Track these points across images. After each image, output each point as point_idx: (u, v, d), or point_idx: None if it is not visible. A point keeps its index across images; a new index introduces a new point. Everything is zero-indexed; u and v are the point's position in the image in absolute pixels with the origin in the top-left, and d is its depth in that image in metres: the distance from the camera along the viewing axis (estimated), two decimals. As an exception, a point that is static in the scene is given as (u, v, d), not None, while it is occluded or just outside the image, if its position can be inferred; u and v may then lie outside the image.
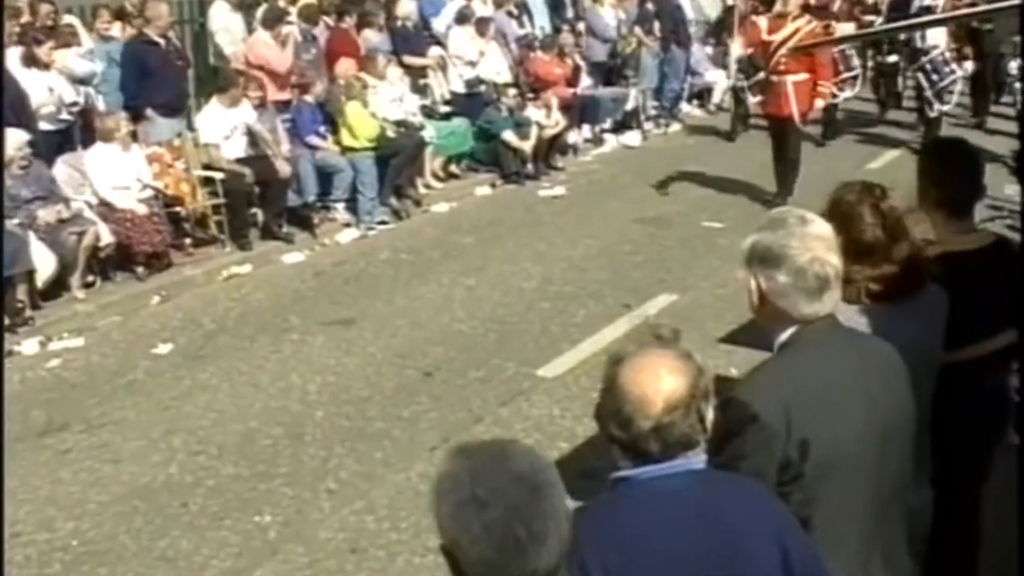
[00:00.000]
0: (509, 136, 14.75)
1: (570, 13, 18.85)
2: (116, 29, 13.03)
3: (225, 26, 13.97)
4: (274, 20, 13.36)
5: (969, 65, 16.52)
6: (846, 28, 16.37)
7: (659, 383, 2.61)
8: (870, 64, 18.48)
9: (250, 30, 13.87)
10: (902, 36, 16.38)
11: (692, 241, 11.81)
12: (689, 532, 2.62)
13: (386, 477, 6.98)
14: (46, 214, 10.10)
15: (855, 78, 16.48)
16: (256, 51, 13.24)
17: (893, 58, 17.32)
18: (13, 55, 11.28)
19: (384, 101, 13.58)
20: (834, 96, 15.75)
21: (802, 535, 2.80)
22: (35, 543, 6.35)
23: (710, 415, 2.69)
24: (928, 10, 15.27)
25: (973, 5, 14.94)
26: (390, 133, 13.21)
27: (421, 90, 14.95)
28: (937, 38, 15.52)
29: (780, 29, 12.92)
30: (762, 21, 13.62)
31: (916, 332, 3.74)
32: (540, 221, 12.83)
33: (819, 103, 13.43)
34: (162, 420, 7.93)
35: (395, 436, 7.54)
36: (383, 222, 12.86)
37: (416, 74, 15.01)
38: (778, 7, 13.24)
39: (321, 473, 7.05)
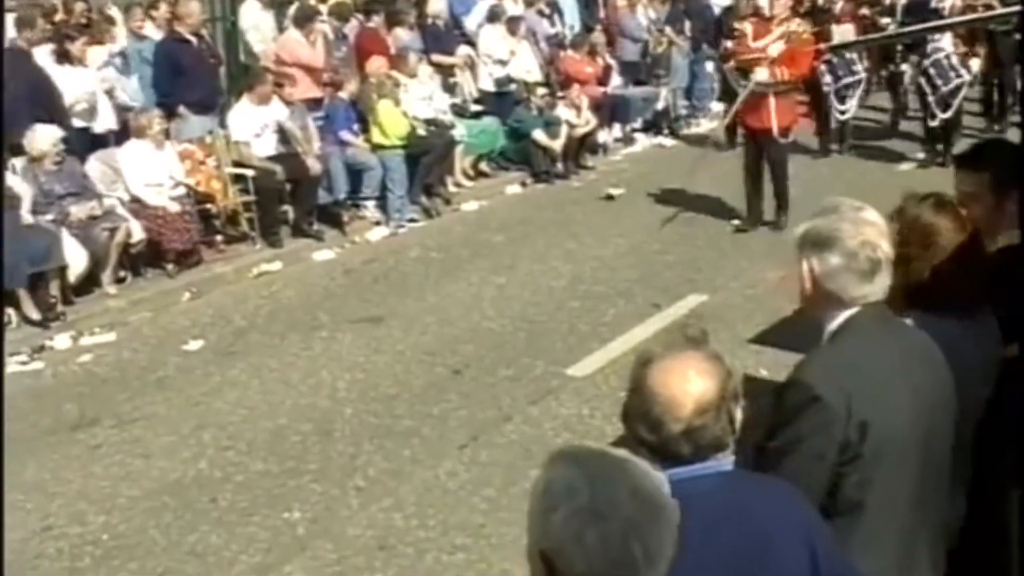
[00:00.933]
0: (539, 135, 14.75)
1: (601, 12, 18.85)
2: (149, 27, 13.09)
3: (256, 24, 14.03)
4: (305, 18, 13.41)
5: (975, 64, 15.42)
6: (845, 30, 15.70)
7: (689, 385, 2.59)
8: (883, 73, 17.70)
9: (280, 28, 13.94)
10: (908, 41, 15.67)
11: (722, 241, 11.77)
12: (719, 534, 2.59)
13: (414, 474, 6.98)
14: (79, 210, 10.17)
15: (858, 82, 15.65)
16: (288, 49, 13.29)
17: (906, 66, 16.18)
18: (46, 52, 11.36)
19: (414, 99, 13.60)
20: (841, 112, 15.46)
21: (829, 536, 2.79)
22: (67, 536, 6.39)
23: (739, 416, 2.68)
24: (936, 13, 14.92)
25: (988, 7, 14.68)
26: (420, 131, 13.23)
27: (451, 89, 14.96)
28: (942, 40, 14.63)
29: (765, 35, 11.90)
30: (747, 26, 12.44)
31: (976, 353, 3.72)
32: (570, 220, 12.81)
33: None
34: (192, 416, 7.96)
35: (424, 434, 7.54)
36: (413, 220, 12.88)
37: (446, 72, 15.02)
38: (767, 10, 12.33)
39: (350, 470, 7.06)
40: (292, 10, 13.83)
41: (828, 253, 3.16)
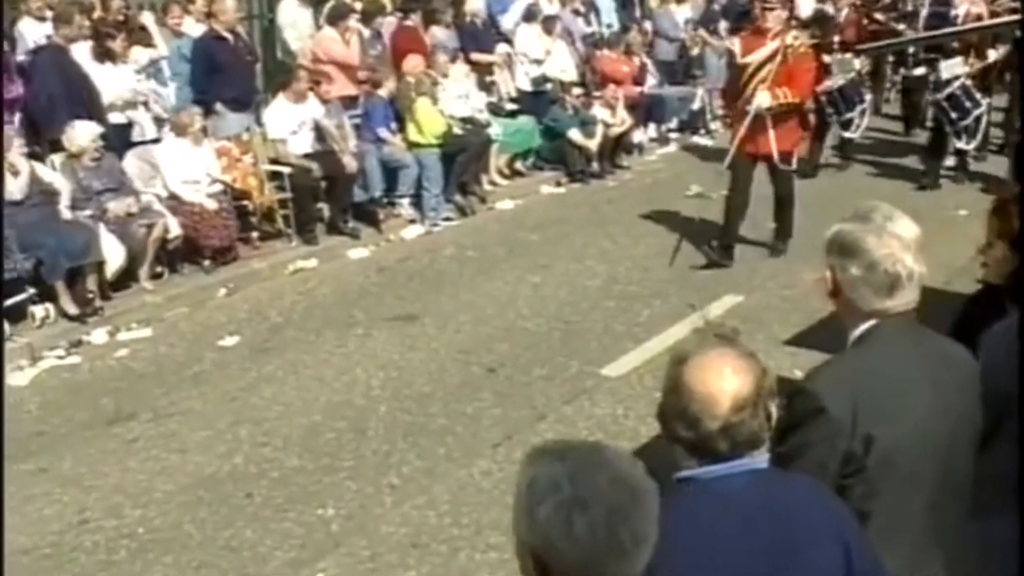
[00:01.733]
0: (575, 134, 14.73)
1: (637, 12, 18.81)
2: (187, 24, 13.15)
3: (293, 22, 14.07)
4: (339, 16, 13.45)
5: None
6: (843, 60, 14.83)
7: (725, 382, 2.60)
8: (896, 78, 17.21)
9: (318, 26, 13.98)
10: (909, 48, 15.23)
11: (757, 243, 11.71)
12: (753, 531, 2.61)
13: (448, 473, 6.99)
14: (116, 206, 10.23)
15: (864, 111, 14.84)
16: (323, 46, 13.33)
17: (921, 71, 15.06)
18: (84, 49, 11.43)
19: (451, 98, 13.62)
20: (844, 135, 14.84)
21: (862, 533, 2.80)
22: (103, 530, 6.43)
23: (775, 414, 2.68)
24: (943, 18, 14.31)
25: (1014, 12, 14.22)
26: (456, 130, 13.24)
27: (487, 87, 14.98)
28: (955, 68, 13.69)
29: (757, 49, 10.64)
30: (735, 42, 11.31)
31: None
32: (605, 220, 12.79)
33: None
34: (228, 411, 8.00)
35: (458, 432, 7.55)
36: (448, 219, 12.89)
37: (483, 71, 15.03)
38: (764, 21, 10.89)
39: (384, 468, 7.07)
40: (326, 8, 13.87)
41: (849, 263, 3.16)
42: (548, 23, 15.79)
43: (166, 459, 7.30)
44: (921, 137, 15.64)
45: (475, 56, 14.96)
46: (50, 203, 9.94)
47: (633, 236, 12.02)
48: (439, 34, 14.73)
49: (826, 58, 14.42)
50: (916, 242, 3.21)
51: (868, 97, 15.22)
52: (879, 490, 3.05)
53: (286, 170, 11.86)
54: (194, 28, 12.97)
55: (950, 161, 14.21)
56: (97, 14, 12.85)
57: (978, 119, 13.72)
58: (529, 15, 15.78)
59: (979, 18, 14.04)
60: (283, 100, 12.22)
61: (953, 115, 13.58)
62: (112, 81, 11.35)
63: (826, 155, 15.19)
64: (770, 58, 10.52)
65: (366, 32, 13.96)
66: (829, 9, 16.91)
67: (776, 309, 9.67)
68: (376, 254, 11.96)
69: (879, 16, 16.43)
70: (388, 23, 14.58)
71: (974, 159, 14.36)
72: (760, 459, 2.67)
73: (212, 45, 12.34)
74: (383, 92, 13.02)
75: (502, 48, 15.49)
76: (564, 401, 8.00)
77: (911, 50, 15.42)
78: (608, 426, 7.55)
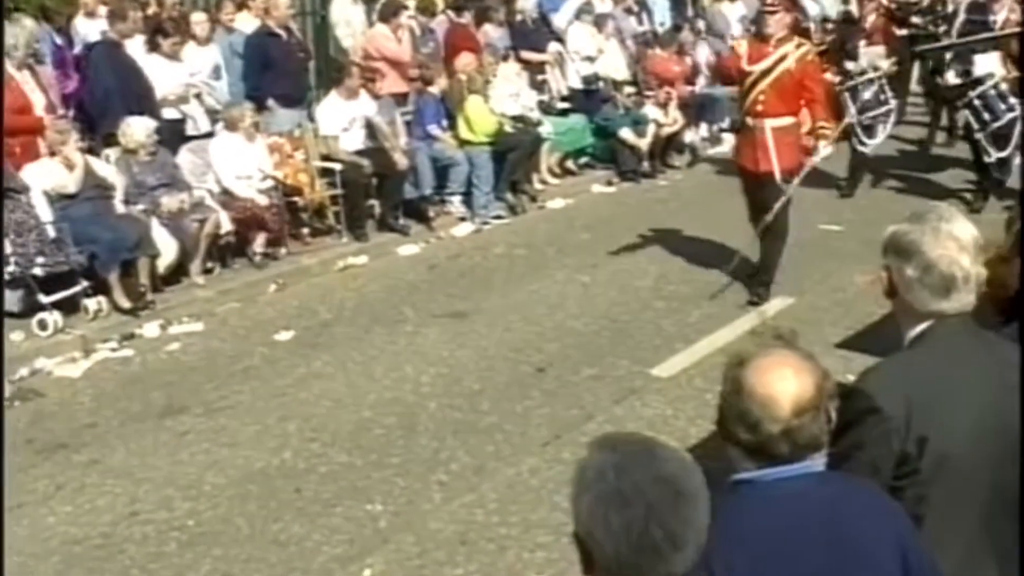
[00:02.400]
0: (626, 133, 14.69)
1: (690, 11, 18.74)
2: (240, 20, 13.23)
3: (346, 19, 14.13)
4: (391, 13, 13.48)
5: None
6: (875, 53, 13.94)
7: (787, 385, 2.58)
8: (921, 88, 16.27)
9: (370, 23, 14.02)
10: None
11: (809, 243, 11.59)
12: (812, 533, 2.58)
13: (497, 471, 6.97)
14: (169, 201, 10.30)
15: (888, 113, 13.57)
16: (375, 43, 13.37)
17: (956, 79, 13.77)
18: (138, 44, 11.53)
19: (502, 96, 13.62)
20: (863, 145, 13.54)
21: (919, 537, 2.76)
22: (153, 522, 6.46)
23: (834, 416, 2.65)
24: (985, 25, 13.45)
25: None
26: (507, 128, 13.23)
27: (539, 86, 14.96)
28: (990, 65, 12.77)
29: (761, 58, 9.63)
30: (742, 45, 10.31)
31: None
32: (656, 219, 12.72)
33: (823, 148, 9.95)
34: (277, 406, 8.02)
35: (507, 430, 7.53)
36: (498, 217, 12.89)
37: (534, 70, 15.02)
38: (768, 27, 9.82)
39: (432, 464, 7.07)
40: (379, 5, 13.91)
41: (906, 264, 3.13)
42: (600, 21, 15.75)
43: (216, 453, 7.34)
44: (955, 150, 15.04)
45: (526, 54, 14.95)
46: (104, 197, 10.04)
47: (684, 236, 11.95)
48: (491, 32, 14.74)
49: (849, 65, 13.69)
50: (973, 243, 3.17)
51: (894, 103, 13.83)
52: (931, 495, 3.01)
53: (337, 166, 11.90)
54: (247, 24, 13.04)
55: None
56: (152, 10, 12.96)
57: (1011, 123, 12.60)
58: (581, 13, 15.75)
59: (1019, 26, 13.15)
60: (335, 97, 12.26)
61: (986, 115, 12.61)
62: (166, 76, 11.43)
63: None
64: (772, 68, 9.55)
65: (418, 29, 13.99)
66: (854, 11, 16.42)
67: (828, 312, 9.58)
68: (426, 251, 11.98)
69: (916, 20, 15.98)
70: (440, 21, 14.60)
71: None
72: (819, 461, 2.64)
73: (265, 41, 12.42)
74: (434, 89, 13.04)
75: (554, 47, 15.46)
76: (613, 401, 7.97)
77: (947, 56, 14.48)
78: (657, 427, 7.49)
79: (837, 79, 13.43)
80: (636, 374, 8.43)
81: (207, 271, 10.69)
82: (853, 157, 13.72)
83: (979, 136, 12.67)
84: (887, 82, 13.55)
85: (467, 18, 14.73)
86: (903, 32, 15.76)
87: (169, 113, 11.44)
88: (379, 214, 12.35)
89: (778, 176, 9.70)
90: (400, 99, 13.21)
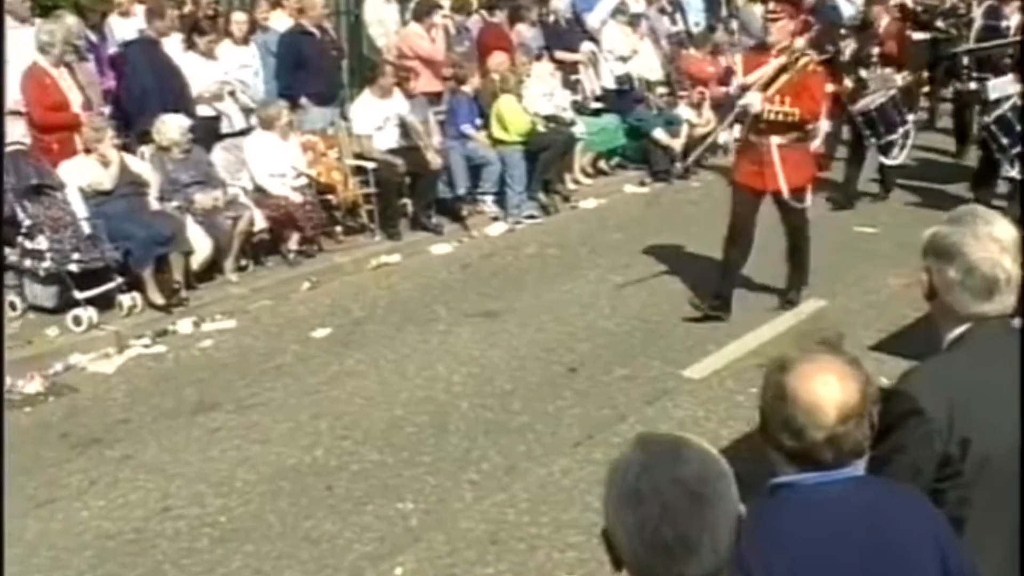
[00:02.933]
0: (659, 134, 14.66)
1: (724, 11, 18.68)
2: (274, 19, 13.27)
3: (379, 18, 14.16)
4: (425, 12, 13.51)
5: None
6: (884, 74, 13.25)
7: (831, 391, 2.54)
8: (946, 92, 15.61)
9: (403, 22, 14.05)
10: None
11: (842, 245, 11.54)
12: (852, 538, 2.56)
13: (528, 471, 6.96)
14: (203, 198, 10.35)
15: (907, 133, 12.95)
16: (409, 42, 13.39)
17: (973, 85, 13.59)
18: (175, 42, 11.59)
19: (535, 96, 13.61)
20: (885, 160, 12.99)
21: (959, 542, 2.73)
22: (185, 517, 6.49)
23: (876, 421, 2.63)
24: (998, 31, 13.34)
25: None
26: (540, 128, 13.22)
27: (572, 86, 14.93)
28: (1006, 88, 12.14)
29: (760, 67, 9.11)
30: (737, 59, 9.99)
31: None
32: (688, 220, 12.68)
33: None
34: (309, 404, 8.04)
35: (538, 430, 7.52)
36: (531, 216, 12.89)
37: (568, 70, 15.00)
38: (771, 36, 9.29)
39: (464, 463, 7.07)
40: (413, 4, 13.94)
41: (947, 265, 3.11)
42: (634, 21, 15.71)
43: (248, 449, 7.36)
44: (974, 158, 14.10)
45: (560, 54, 14.93)
46: (139, 194, 10.09)
47: (716, 237, 11.84)
48: (524, 32, 14.74)
49: (863, 72, 13.33)
50: (1014, 245, 3.15)
51: (911, 117, 13.26)
52: (973, 498, 2.99)
53: (371, 165, 11.92)
54: (281, 23, 13.08)
55: (1002, 188, 12.29)
56: (188, 8, 13.02)
57: None
58: (615, 13, 15.71)
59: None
60: (368, 95, 12.29)
61: (1004, 140, 11.84)
62: (201, 73, 11.48)
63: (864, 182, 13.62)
64: (774, 77, 8.96)
65: (452, 28, 14.01)
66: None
67: (860, 314, 9.52)
68: (459, 250, 11.99)
69: (940, 24, 15.70)
70: (474, 20, 14.61)
71: None
72: (859, 466, 2.62)
73: (299, 40, 12.46)
74: (467, 88, 13.04)
75: (587, 46, 15.43)
76: (645, 402, 7.95)
77: (965, 61, 14.35)
78: (689, 428, 7.44)
79: (850, 86, 13.32)
80: (668, 375, 8.41)
81: (241, 268, 10.73)
82: (881, 167, 13.37)
83: (999, 157, 12.02)
84: (901, 98, 12.98)
85: (500, 17, 14.73)
86: (925, 36, 15.51)
87: (204, 111, 11.48)
88: (412, 213, 12.37)
89: (786, 194, 9.24)
90: (434, 98, 13.23)
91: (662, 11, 17.10)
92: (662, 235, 12.09)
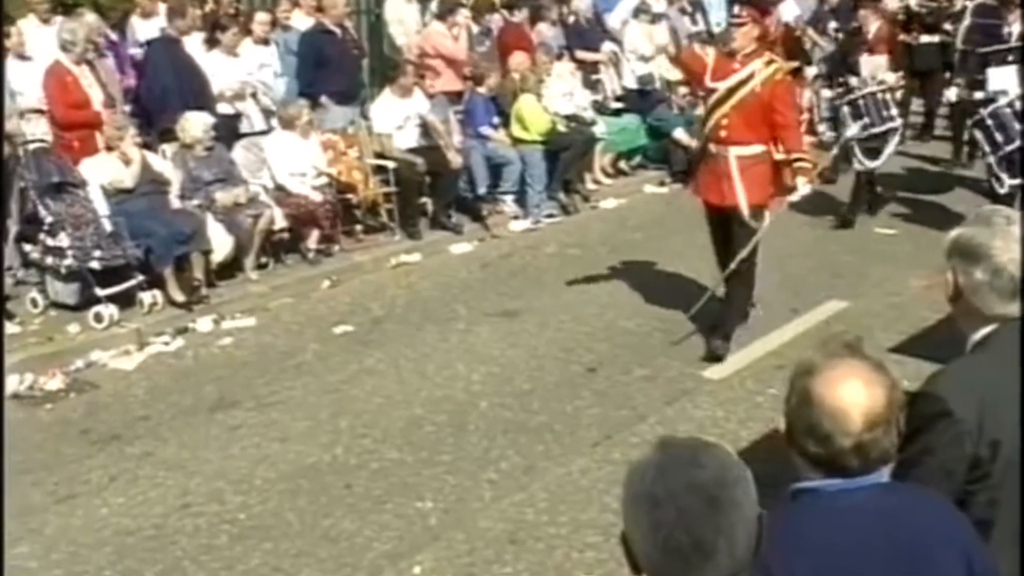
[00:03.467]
0: (680, 134, 14.61)
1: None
2: (295, 18, 13.29)
3: (400, 18, 14.17)
4: (448, 11, 13.53)
5: None
6: (876, 63, 12.56)
7: (858, 397, 2.50)
8: (945, 100, 14.49)
9: (424, 22, 14.07)
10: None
11: (864, 247, 11.50)
12: (875, 546, 2.53)
13: (547, 471, 6.95)
14: (224, 196, 10.38)
15: (893, 131, 12.04)
16: (431, 41, 13.41)
17: (980, 94, 12.01)
18: (196, 40, 11.62)
19: (555, 95, 13.60)
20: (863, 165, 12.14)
21: (985, 549, 2.70)
22: (204, 514, 6.51)
23: (902, 426, 2.60)
24: (995, 34, 12.42)
25: None
26: (561, 127, 13.21)
27: (593, 85, 14.92)
28: (1005, 80, 11.28)
29: (727, 75, 8.49)
30: (709, 53, 9.06)
31: None
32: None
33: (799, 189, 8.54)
34: (329, 402, 8.05)
35: (557, 430, 7.51)
36: (551, 216, 12.88)
37: (588, 69, 14.98)
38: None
39: (483, 463, 7.06)
40: (435, 3, 13.95)
41: (973, 267, 3.08)
42: (655, 22, 15.67)
43: (267, 447, 7.37)
44: (972, 169, 13.76)
45: (580, 54, 14.92)
46: (160, 192, 10.13)
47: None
48: (545, 31, 14.73)
49: (853, 81, 12.43)
50: None
51: (899, 120, 12.32)
52: (1001, 501, 2.97)
53: (391, 164, 11.94)
54: (302, 22, 13.11)
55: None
56: (209, 7, 13.06)
57: None
58: (637, 13, 15.67)
59: None
60: (389, 95, 12.31)
61: (998, 137, 10.92)
62: (224, 72, 11.51)
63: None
64: (737, 88, 8.42)
65: (474, 28, 14.02)
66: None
67: (881, 316, 9.47)
68: (479, 250, 11.99)
69: (947, 26, 14.92)
70: (495, 20, 14.62)
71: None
72: (885, 472, 2.59)
73: (320, 39, 12.49)
74: (483, 89, 13.03)
75: (608, 46, 15.41)
76: (665, 402, 7.93)
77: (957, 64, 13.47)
78: (708, 429, 7.44)
79: (833, 94, 12.93)
80: (687, 375, 8.39)
81: (261, 267, 10.76)
82: (856, 179, 12.44)
83: (990, 160, 11.15)
84: (892, 97, 12.27)
85: (521, 17, 14.73)
86: (932, 39, 15.06)
87: (224, 109, 11.50)
88: (432, 212, 12.38)
89: (745, 212, 8.46)
90: (455, 98, 13.23)
91: (683, 11, 17.07)
92: (682, 235, 12.02)
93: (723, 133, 8.53)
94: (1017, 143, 10.80)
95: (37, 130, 10.30)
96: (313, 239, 11.11)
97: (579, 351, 8.91)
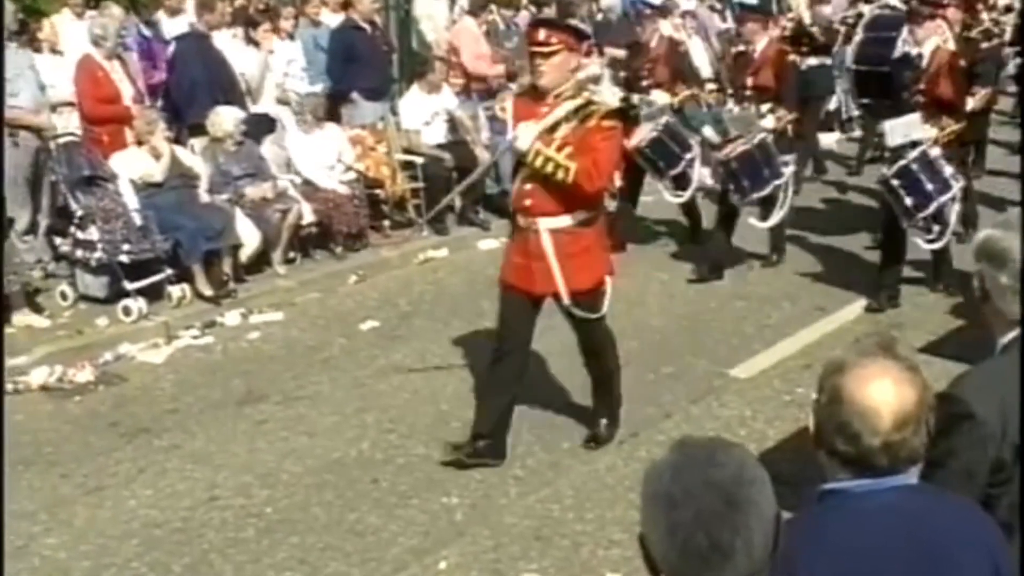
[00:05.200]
0: (708, 132, 14.54)
1: (775, 9, 18.54)
2: (324, 14, 13.33)
3: (429, 14, 14.20)
4: (478, 7, 13.54)
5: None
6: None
7: (888, 397, 2.48)
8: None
9: (453, 19, 14.09)
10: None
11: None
12: (900, 548, 2.51)
13: (573, 468, 6.96)
14: (253, 191, 10.43)
15: (784, 186, 10.41)
16: (461, 38, 13.41)
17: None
18: (226, 36, 11.67)
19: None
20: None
21: (1011, 554, 2.68)
22: (231, 508, 6.54)
23: (932, 428, 2.59)
24: (907, 62, 9.57)
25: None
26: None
27: (621, 82, 14.86)
28: (911, 130, 9.19)
29: (533, 118, 6.49)
30: (508, 105, 7.92)
31: None
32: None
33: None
34: (356, 397, 8.08)
35: (583, 427, 7.50)
36: (578, 212, 12.83)
37: (617, 66, 14.94)
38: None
39: (509, 459, 7.04)
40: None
41: (999, 271, 3.07)
42: (684, 19, 15.63)
43: (294, 441, 7.40)
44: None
45: (609, 50, 14.89)
46: (189, 186, 10.19)
47: (764, 236, 11.81)
48: (575, 28, 14.70)
49: (732, 106, 11.38)
50: None
51: (790, 169, 10.49)
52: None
53: (419, 160, 11.97)
54: (331, 18, 13.14)
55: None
56: (239, 2, 13.11)
57: (944, 207, 9.14)
58: (665, 10, 15.63)
59: (953, 61, 9.55)
60: (417, 90, 12.34)
61: (907, 200, 9.01)
62: (252, 67, 11.56)
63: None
64: (552, 129, 6.43)
65: (502, 24, 14.02)
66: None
67: (908, 315, 9.42)
68: (506, 246, 11.96)
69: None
70: (523, 16, 14.63)
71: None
72: (913, 473, 2.58)
73: (349, 35, 12.52)
74: (514, 86, 13.01)
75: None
76: (691, 400, 7.92)
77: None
78: (735, 428, 7.44)
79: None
80: (714, 374, 8.37)
81: (289, 261, 10.80)
82: (778, 229, 10.91)
83: (906, 226, 9.28)
84: (775, 140, 10.38)
85: (549, 13, 14.70)
86: (824, 61, 14.06)
87: (254, 107, 11.56)
88: (459, 208, 12.38)
89: (566, 300, 6.72)
90: (484, 94, 13.23)
91: (712, 8, 17.04)
92: (709, 233, 12.01)
93: (528, 201, 6.62)
94: (937, 202, 9.03)
95: (69, 124, 10.37)
96: (341, 234, 11.11)
97: (606, 348, 8.89)
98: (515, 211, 6.75)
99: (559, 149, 6.37)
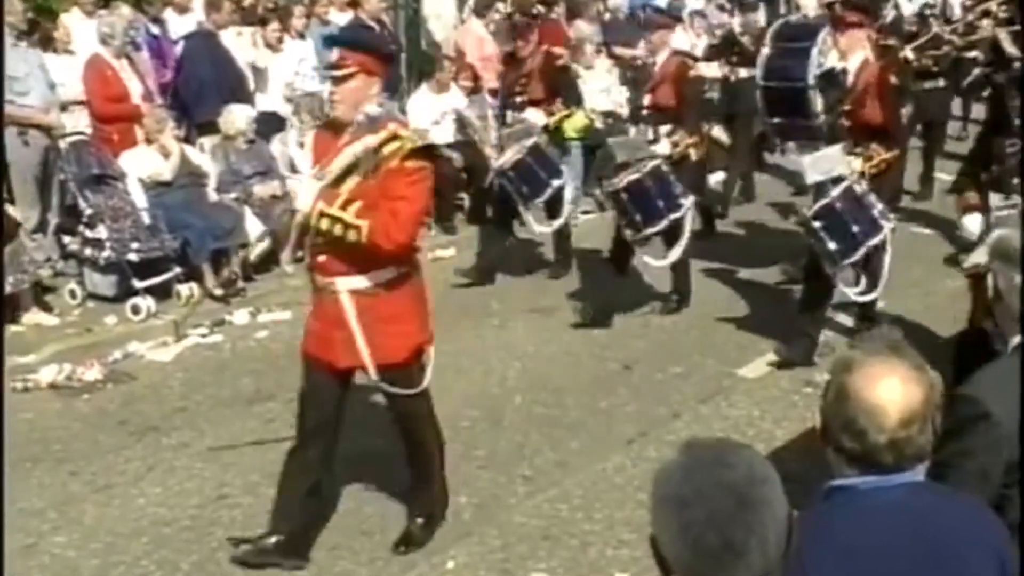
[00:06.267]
0: (718, 132, 14.53)
1: (783, 8, 18.54)
2: (333, 13, 13.34)
3: (438, 13, 14.21)
4: (485, 6, 13.55)
5: None
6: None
7: (894, 394, 2.51)
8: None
9: (462, 18, 14.10)
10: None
11: (900, 247, 11.37)
12: (907, 545, 2.53)
13: (581, 467, 6.95)
14: (262, 190, 10.44)
15: (680, 220, 9.21)
16: (468, 37, 13.42)
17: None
18: (233, 34, 11.68)
19: (593, 91, 13.55)
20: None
21: (1018, 554, 2.68)
22: (240, 506, 6.54)
23: (939, 426, 2.60)
24: (832, 78, 8.24)
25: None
26: (598, 124, 13.18)
27: (630, 82, 14.86)
28: (830, 165, 8.08)
29: (330, 161, 5.50)
30: (308, 141, 7.36)
31: None
32: (746, 219, 12.62)
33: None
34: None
35: (591, 427, 7.50)
36: (587, 212, 12.86)
37: (625, 66, 14.94)
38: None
39: (517, 459, 7.06)
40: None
41: (1012, 271, 3.09)
42: (692, 19, 15.64)
43: (303, 440, 7.38)
44: None
45: (619, 50, 14.89)
46: (198, 185, 10.21)
47: (775, 236, 11.84)
48: (583, 27, 14.69)
49: (612, 141, 10.23)
50: None
51: (688, 200, 9.24)
52: None
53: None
54: (339, 16, 13.15)
55: (846, 320, 9.14)
56: (248, 1, 13.12)
57: (877, 250, 8.23)
58: (673, 10, 15.63)
59: (883, 76, 8.46)
60: (426, 90, 12.36)
61: (830, 245, 7.91)
62: (272, 68, 11.58)
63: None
64: (342, 179, 5.43)
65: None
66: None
67: (917, 316, 9.40)
68: (515, 245, 11.96)
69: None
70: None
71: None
72: (919, 471, 2.59)
73: (358, 34, 12.50)
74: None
75: (644, 43, 15.36)
76: (699, 400, 7.92)
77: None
78: (743, 427, 7.44)
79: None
80: (723, 374, 8.37)
81: (297, 260, 10.75)
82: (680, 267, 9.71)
83: (832, 273, 8.12)
84: (674, 168, 9.29)
85: (558, 13, 14.72)
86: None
87: (264, 106, 11.57)
88: (468, 207, 12.38)
89: (373, 374, 5.72)
90: (492, 94, 13.23)
91: (721, 8, 17.02)
92: (720, 233, 12.03)
93: (322, 258, 5.62)
94: (863, 249, 8.09)
95: (79, 123, 10.39)
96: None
97: (615, 348, 8.91)
98: (309, 269, 5.80)
99: (346, 205, 5.37)
